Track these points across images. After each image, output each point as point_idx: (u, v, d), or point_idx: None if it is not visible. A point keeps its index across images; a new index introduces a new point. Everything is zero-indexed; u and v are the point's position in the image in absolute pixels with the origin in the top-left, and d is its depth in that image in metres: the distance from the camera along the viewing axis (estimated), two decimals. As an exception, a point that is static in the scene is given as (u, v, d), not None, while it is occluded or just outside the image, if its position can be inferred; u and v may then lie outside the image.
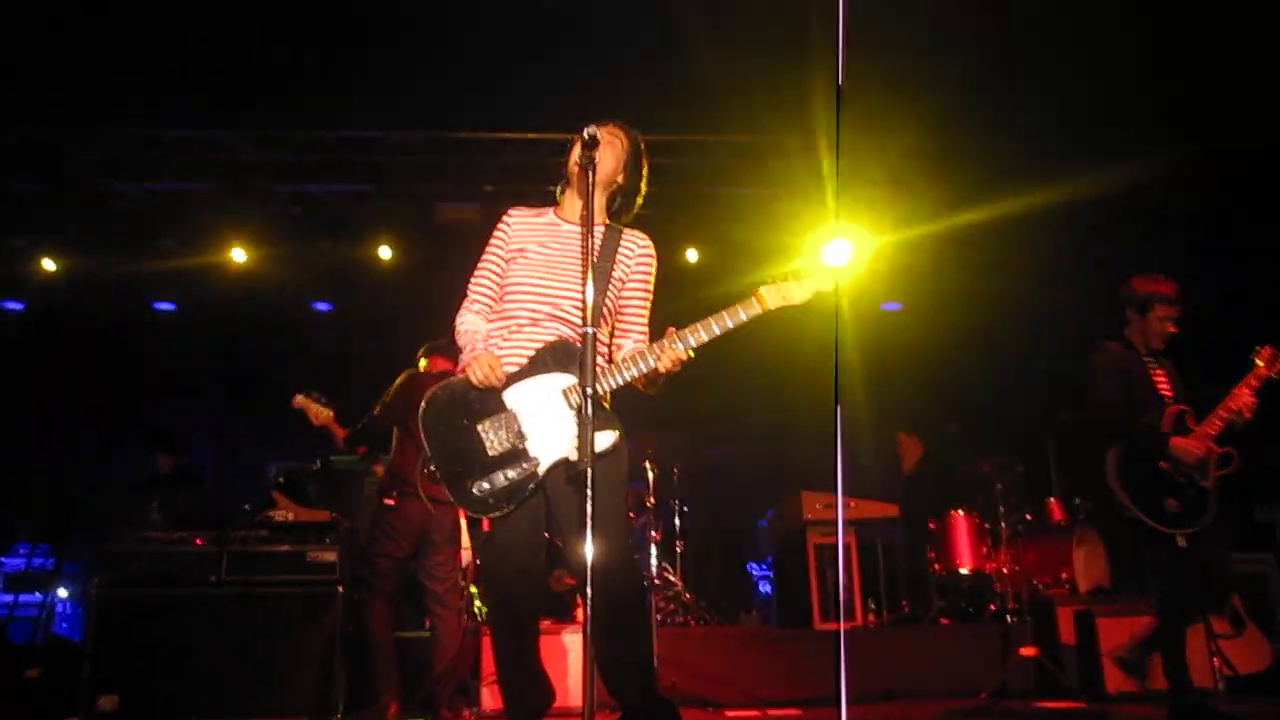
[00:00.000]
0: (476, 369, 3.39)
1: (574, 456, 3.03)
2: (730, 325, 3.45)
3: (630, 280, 3.69)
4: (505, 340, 3.52)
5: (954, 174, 9.76)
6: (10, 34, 7.64)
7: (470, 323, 3.63)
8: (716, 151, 9.99)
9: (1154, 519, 4.85)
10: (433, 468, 3.41)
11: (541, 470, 3.38)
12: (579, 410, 3.01)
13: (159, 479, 7.54)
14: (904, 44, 7.67)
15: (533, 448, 3.38)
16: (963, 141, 9.46)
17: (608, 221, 3.71)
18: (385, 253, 9.90)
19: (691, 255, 10.17)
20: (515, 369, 3.45)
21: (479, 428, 3.40)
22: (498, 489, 3.35)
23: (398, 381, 6.22)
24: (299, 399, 6.49)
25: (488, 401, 3.42)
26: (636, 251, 3.71)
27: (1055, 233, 9.44)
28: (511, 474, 3.36)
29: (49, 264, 9.59)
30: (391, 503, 5.94)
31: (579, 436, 2.97)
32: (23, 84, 8.40)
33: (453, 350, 5.92)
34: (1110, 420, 5.14)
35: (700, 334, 3.42)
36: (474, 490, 3.34)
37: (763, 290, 3.51)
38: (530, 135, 9.55)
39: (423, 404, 3.45)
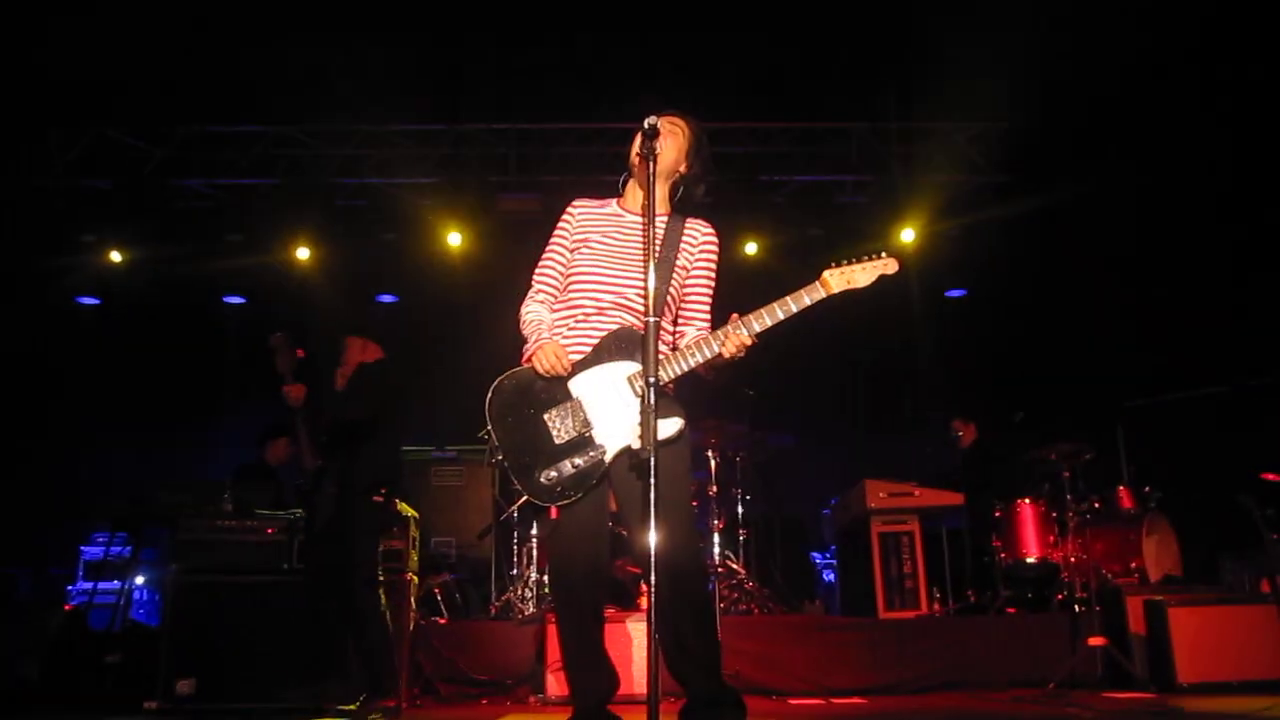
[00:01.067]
0: (543, 358, 3.43)
1: (638, 444, 3.04)
2: (795, 310, 3.45)
3: (694, 269, 3.70)
4: (571, 329, 3.55)
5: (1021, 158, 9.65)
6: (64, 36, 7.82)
7: (535, 312, 3.65)
8: (779, 139, 9.97)
9: None
10: (500, 458, 3.45)
11: (608, 458, 3.41)
12: (643, 398, 3.02)
13: (253, 469, 7.72)
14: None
15: (599, 435, 3.41)
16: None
17: (670, 211, 3.72)
18: (454, 238, 9.98)
19: (751, 247, 10.14)
20: (580, 357, 3.48)
21: (545, 417, 3.44)
22: (565, 477, 3.39)
23: (378, 369, 6.08)
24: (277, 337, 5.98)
25: (554, 390, 3.46)
26: (699, 240, 3.72)
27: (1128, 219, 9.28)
28: (579, 462, 3.39)
29: (118, 258, 9.81)
30: (380, 499, 5.86)
31: (643, 425, 2.99)
32: (92, 84, 8.61)
33: (372, 333, 5.95)
34: None
35: (765, 319, 3.43)
36: (542, 479, 3.38)
37: (827, 274, 3.52)
38: (590, 125, 9.61)
39: (489, 395, 3.49)
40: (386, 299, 11.09)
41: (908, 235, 10.05)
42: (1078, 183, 9.09)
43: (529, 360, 3.51)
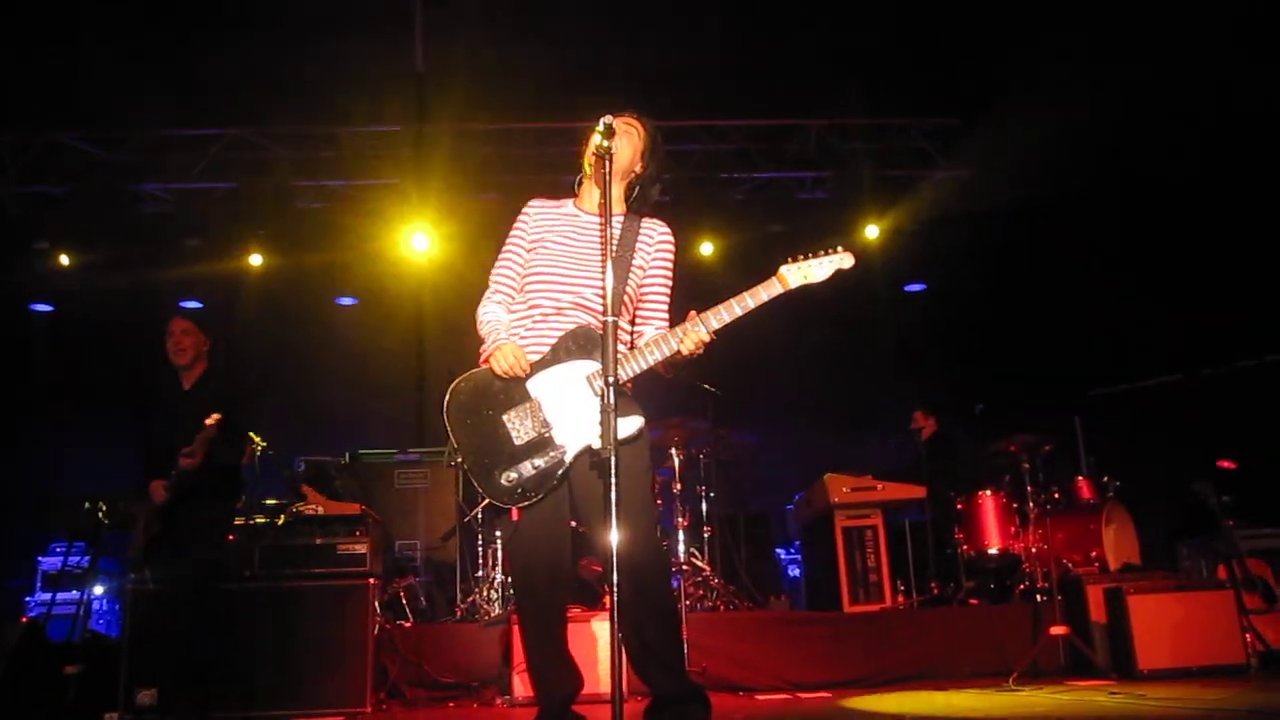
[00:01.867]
0: (501, 359, 3.42)
1: (599, 444, 3.04)
2: (753, 305, 3.46)
3: (650, 268, 3.70)
4: (529, 330, 3.54)
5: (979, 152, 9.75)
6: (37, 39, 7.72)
7: (492, 313, 3.63)
8: (736, 136, 10.01)
9: None
10: (459, 460, 3.43)
11: (568, 458, 3.40)
12: (603, 397, 3.02)
13: None
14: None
15: (558, 435, 3.41)
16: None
17: (626, 210, 3.71)
18: (420, 242, 9.96)
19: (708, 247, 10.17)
20: (538, 358, 3.48)
21: (504, 418, 3.42)
22: (526, 478, 3.38)
23: (228, 371, 6.02)
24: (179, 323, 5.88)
25: (512, 391, 3.44)
26: (656, 239, 3.73)
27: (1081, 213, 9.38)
28: (539, 462, 3.38)
29: (68, 264, 9.69)
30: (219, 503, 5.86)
31: (603, 424, 2.99)
32: (48, 89, 8.50)
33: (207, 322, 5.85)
34: None
35: (722, 315, 3.44)
36: (502, 480, 3.37)
37: (784, 269, 3.53)
38: (549, 125, 9.59)
39: (446, 398, 3.47)
40: (346, 301, 11.02)
41: (871, 231, 10.13)
42: (1033, 178, 9.18)
43: (486, 361, 3.49)
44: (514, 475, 3.37)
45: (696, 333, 3.41)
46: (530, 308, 3.57)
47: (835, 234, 10.12)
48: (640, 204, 3.74)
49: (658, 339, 3.48)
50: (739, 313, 3.45)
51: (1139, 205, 8.94)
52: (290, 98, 9.00)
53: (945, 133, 9.99)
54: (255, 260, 9.95)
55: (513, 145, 9.78)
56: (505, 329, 3.54)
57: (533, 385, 3.44)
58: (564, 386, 3.44)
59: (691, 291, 3.70)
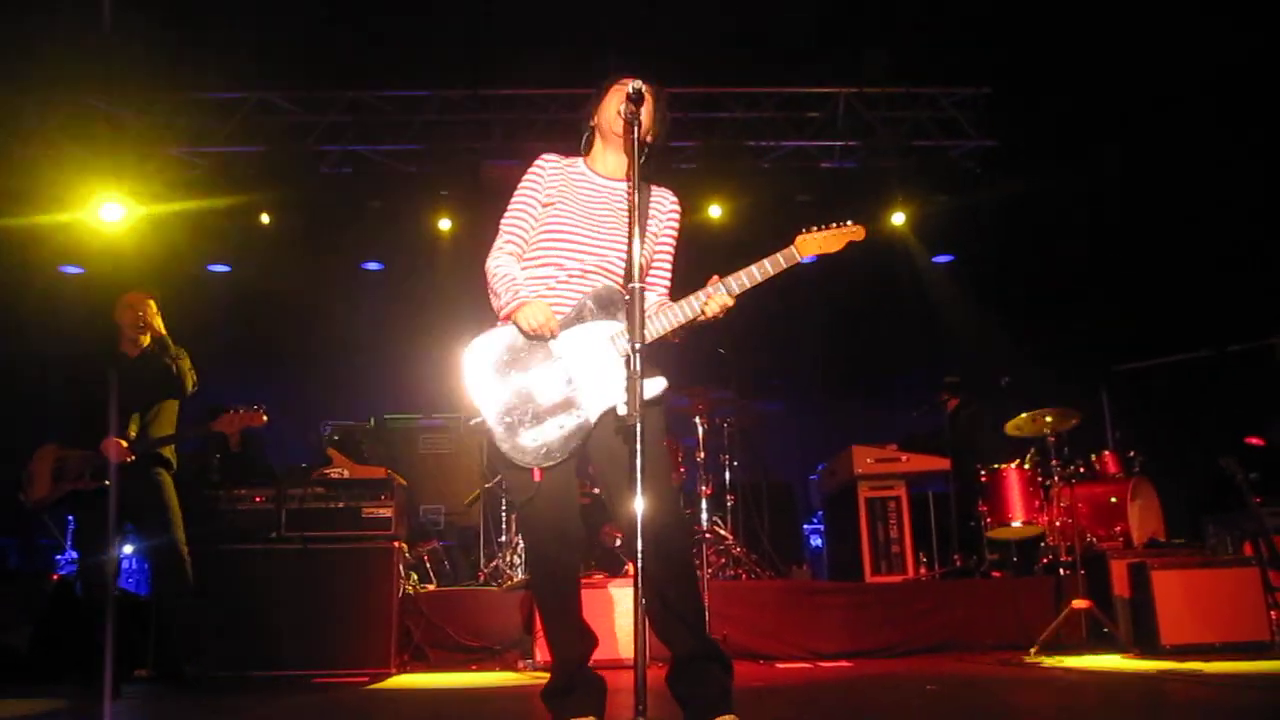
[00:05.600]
0: (530, 317, 3.35)
1: (624, 408, 3.02)
2: (772, 272, 3.50)
3: (660, 236, 3.70)
4: (550, 289, 3.49)
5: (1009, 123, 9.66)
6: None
7: (506, 266, 3.54)
8: (765, 104, 9.94)
9: None
10: (480, 419, 3.40)
11: (593, 419, 3.38)
12: (627, 358, 3.01)
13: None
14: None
15: (582, 397, 3.37)
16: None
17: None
18: (445, 225, 10.03)
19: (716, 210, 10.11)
20: (561, 317, 3.45)
21: (529, 376, 3.38)
22: (552, 439, 3.35)
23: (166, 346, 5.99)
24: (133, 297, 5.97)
25: (535, 350, 3.40)
26: (667, 208, 3.72)
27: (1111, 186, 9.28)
28: (564, 423, 3.35)
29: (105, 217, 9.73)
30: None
31: (629, 390, 2.97)
32: (75, 53, 8.52)
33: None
34: None
35: (743, 280, 3.47)
36: (527, 441, 3.34)
37: (800, 239, 3.58)
38: (574, 91, 9.55)
39: (464, 356, 3.43)
40: (372, 266, 11.07)
41: (898, 217, 10.10)
42: (1064, 148, 9.09)
43: (508, 318, 3.46)
44: (539, 436, 3.35)
45: (720, 297, 3.44)
46: (552, 266, 3.52)
47: (862, 203, 10.09)
48: (651, 171, 3.72)
49: (681, 302, 3.47)
50: (759, 278, 3.49)
51: (1169, 178, 8.83)
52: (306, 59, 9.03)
53: (975, 102, 9.88)
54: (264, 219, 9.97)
55: (537, 110, 9.77)
56: (523, 285, 3.50)
57: (557, 345, 3.42)
58: (588, 347, 3.41)
59: (717, 259, 3.68)
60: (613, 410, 3.34)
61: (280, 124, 9.78)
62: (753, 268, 3.48)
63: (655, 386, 3.35)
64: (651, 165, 3.69)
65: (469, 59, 9.19)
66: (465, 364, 3.40)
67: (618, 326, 3.42)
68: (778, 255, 3.51)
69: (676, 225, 3.76)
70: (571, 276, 3.49)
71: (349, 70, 9.38)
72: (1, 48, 8.12)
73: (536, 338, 3.40)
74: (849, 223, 3.65)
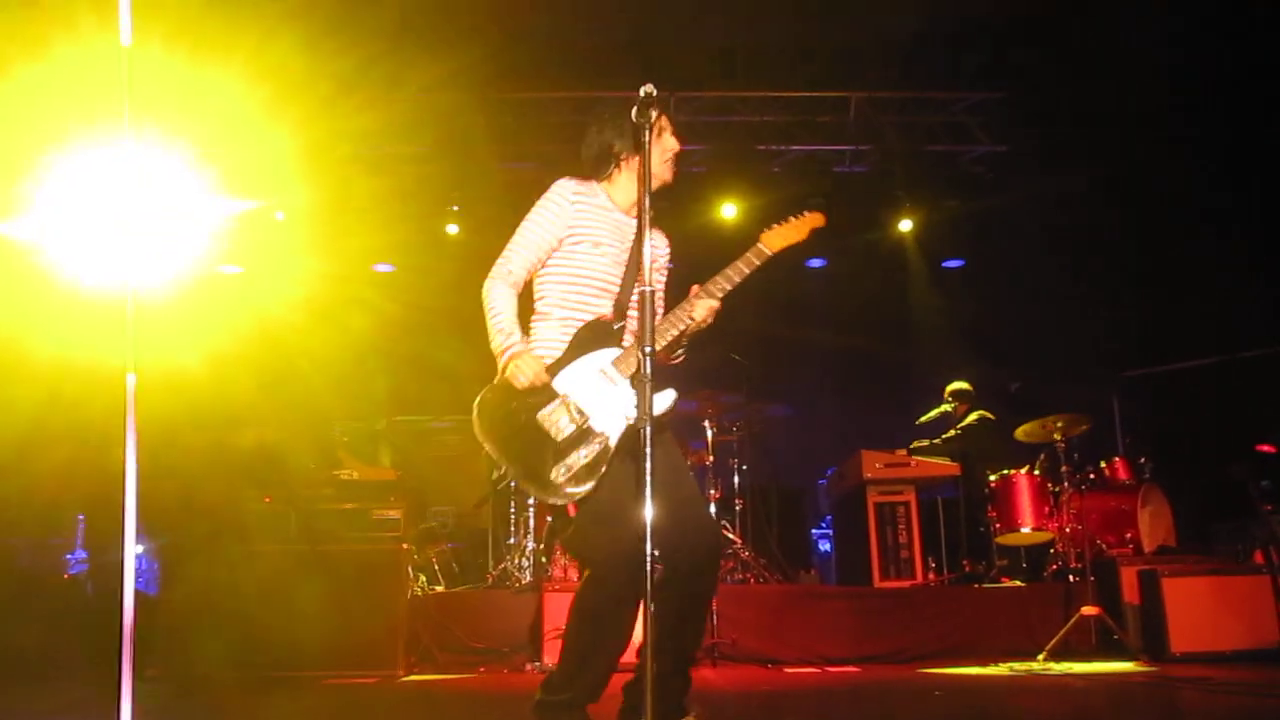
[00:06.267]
0: (521, 375, 3.34)
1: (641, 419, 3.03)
2: (746, 272, 3.55)
3: (659, 276, 3.74)
4: (566, 330, 3.47)
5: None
6: None
7: (503, 304, 3.47)
8: (775, 108, 9.94)
9: None
10: (505, 472, 3.38)
11: (613, 443, 3.36)
12: (633, 377, 3.03)
13: None
14: None
15: (597, 423, 3.35)
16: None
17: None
18: (452, 227, 10.09)
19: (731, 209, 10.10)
20: (556, 357, 3.44)
21: (538, 418, 3.36)
22: (577, 470, 3.33)
23: None
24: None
25: (539, 393, 3.39)
26: (663, 249, 3.77)
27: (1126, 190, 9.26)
28: (584, 453, 3.33)
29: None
30: None
31: (639, 394, 2.98)
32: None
33: None
34: None
35: (722, 284, 3.52)
36: (554, 477, 3.31)
37: (765, 236, 3.64)
38: (587, 94, 9.56)
39: (474, 415, 3.38)
40: (384, 268, 11.09)
41: (908, 223, 10.11)
42: (1074, 154, 9.07)
43: (504, 372, 3.40)
44: (564, 469, 3.32)
45: (706, 300, 3.48)
46: (579, 308, 3.50)
47: (873, 208, 10.09)
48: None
49: (670, 316, 3.50)
50: (737, 280, 3.54)
51: (1179, 183, 8.80)
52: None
53: (986, 108, 9.88)
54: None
55: (547, 114, 9.77)
56: (519, 332, 3.45)
57: (558, 383, 3.39)
58: (589, 377, 3.40)
59: (727, 263, 3.70)
60: (630, 429, 3.34)
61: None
62: (728, 270, 3.54)
63: (665, 400, 3.37)
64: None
65: (485, 61, 9.20)
66: (477, 423, 3.38)
67: (614, 353, 3.42)
68: (749, 254, 3.58)
69: (668, 266, 3.83)
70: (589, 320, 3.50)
71: (364, 69, 9.39)
72: None
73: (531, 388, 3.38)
74: (806, 212, 3.72)
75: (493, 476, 3.39)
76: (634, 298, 3.48)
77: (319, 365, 10.06)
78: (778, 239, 3.64)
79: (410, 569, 6.49)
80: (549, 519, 7.18)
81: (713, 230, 9.92)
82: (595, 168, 3.70)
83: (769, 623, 6.73)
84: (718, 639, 6.48)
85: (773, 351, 8.36)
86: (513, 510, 7.80)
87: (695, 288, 3.52)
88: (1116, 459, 7.80)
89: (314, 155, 9.75)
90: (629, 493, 3.35)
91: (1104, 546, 7.24)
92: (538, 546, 7.34)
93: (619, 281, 3.54)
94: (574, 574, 6.48)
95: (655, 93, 3.21)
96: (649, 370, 2.97)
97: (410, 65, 9.02)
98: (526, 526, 7.52)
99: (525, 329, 3.54)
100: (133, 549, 2.84)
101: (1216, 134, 8.36)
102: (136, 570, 8.23)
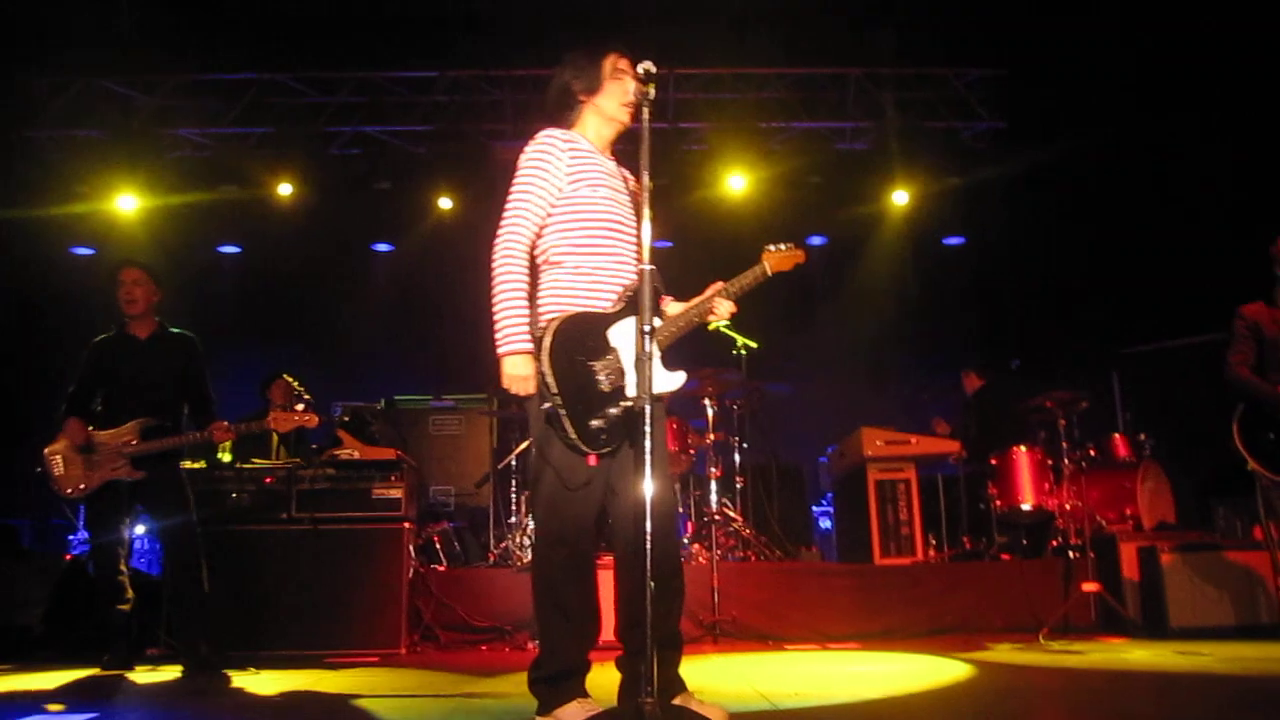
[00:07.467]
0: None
1: (660, 392, 3.22)
2: (752, 285, 3.71)
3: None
4: (597, 283, 3.46)
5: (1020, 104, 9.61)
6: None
7: (514, 281, 3.44)
8: (775, 85, 9.90)
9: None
10: (556, 400, 3.33)
11: (637, 410, 3.36)
12: (640, 345, 3.03)
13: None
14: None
15: (629, 387, 3.38)
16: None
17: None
18: (445, 203, 10.09)
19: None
20: (619, 307, 3.44)
21: (593, 365, 3.37)
22: (612, 424, 3.34)
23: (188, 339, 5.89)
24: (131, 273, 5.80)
25: (600, 339, 3.40)
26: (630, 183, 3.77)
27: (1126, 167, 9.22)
28: (616, 411, 3.35)
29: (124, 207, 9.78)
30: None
31: (639, 371, 3.02)
32: (86, 35, 8.53)
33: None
34: (1236, 384, 5.72)
35: (737, 289, 3.68)
36: (592, 425, 3.33)
37: (767, 258, 3.75)
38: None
39: (549, 336, 3.34)
40: (382, 248, 11.07)
41: (908, 198, 10.07)
42: (1077, 130, 9.03)
43: (505, 356, 3.39)
44: (601, 422, 3.34)
45: (728, 305, 3.66)
46: (610, 257, 3.49)
47: (873, 184, 10.05)
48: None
49: (688, 311, 3.61)
50: (748, 287, 3.70)
51: (1179, 159, 8.77)
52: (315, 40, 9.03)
53: (986, 84, 9.83)
54: (285, 190, 9.97)
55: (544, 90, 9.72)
56: (526, 326, 3.40)
57: (612, 334, 3.40)
58: (633, 341, 3.41)
59: (730, 241, 3.73)
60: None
61: (290, 105, 9.78)
62: (743, 279, 3.68)
63: (675, 380, 3.40)
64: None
65: (479, 39, 9.16)
66: (549, 344, 3.33)
67: (656, 321, 3.41)
68: (755, 270, 3.72)
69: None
70: (621, 265, 3.48)
71: (358, 51, 9.36)
72: (15, 29, 8.14)
73: (594, 326, 3.41)
74: (790, 246, 3.80)
75: (540, 407, 3.33)
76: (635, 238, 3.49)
77: (318, 344, 10.10)
78: (775, 262, 3.77)
79: (411, 548, 6.49)
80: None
81: (713, 206, 9.89)
82: (556, 109, 3.73)
83: (770, 600, 6.74)
84: (719, 616, 6.50)
85: (773, 328, 8.33)
86: (514, 489, 7.81)
87: (719, 284, 3.64)
88: (1116, 436, 7.81)
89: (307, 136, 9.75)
90: (608, 477, 3.42)
91: (1104, 523, 7.26)
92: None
93: (623, 219, 3.54)
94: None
95: (654, 69, 3.21)
96: (650, 347, 2.99)
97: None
98: (527, 505, 7.53)
99: (535, 281, 3.52)
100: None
101: (1219, 108, 8.32)
102: (138, 551, 8.27)
